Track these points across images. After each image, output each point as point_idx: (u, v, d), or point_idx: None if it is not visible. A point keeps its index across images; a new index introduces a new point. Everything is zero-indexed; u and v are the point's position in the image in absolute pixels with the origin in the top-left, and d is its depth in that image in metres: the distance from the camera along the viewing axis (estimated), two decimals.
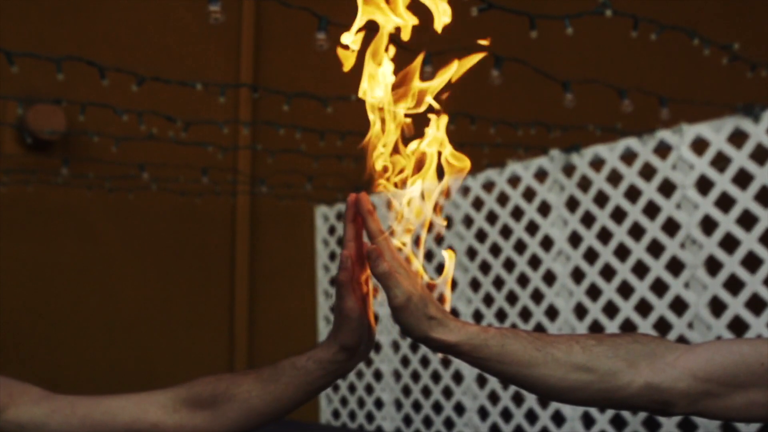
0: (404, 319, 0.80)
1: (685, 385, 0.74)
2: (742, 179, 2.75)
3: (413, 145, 0.85)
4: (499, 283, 3.64)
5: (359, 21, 0.82)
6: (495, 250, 3.67)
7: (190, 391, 0.85)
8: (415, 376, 4.10)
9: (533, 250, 3.47)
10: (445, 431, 3.87)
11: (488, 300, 3.70)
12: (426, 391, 4.04)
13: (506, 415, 3.59)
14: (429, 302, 0.81)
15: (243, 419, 0.84)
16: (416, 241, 0.87)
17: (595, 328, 3.22)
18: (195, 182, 3.81)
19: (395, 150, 0.85)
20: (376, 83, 0.84)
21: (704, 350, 0.76)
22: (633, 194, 3.09)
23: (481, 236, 3.74)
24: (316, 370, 0.85)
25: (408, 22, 0.83)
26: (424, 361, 4.04)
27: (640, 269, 3.06)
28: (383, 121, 0.85)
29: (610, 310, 3.17)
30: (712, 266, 2.83)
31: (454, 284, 3.84)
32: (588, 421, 3.21)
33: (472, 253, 3.78)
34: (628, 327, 3.10)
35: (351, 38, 0.82)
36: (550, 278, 3.39)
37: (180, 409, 0.84)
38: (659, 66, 3.86)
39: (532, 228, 3.50)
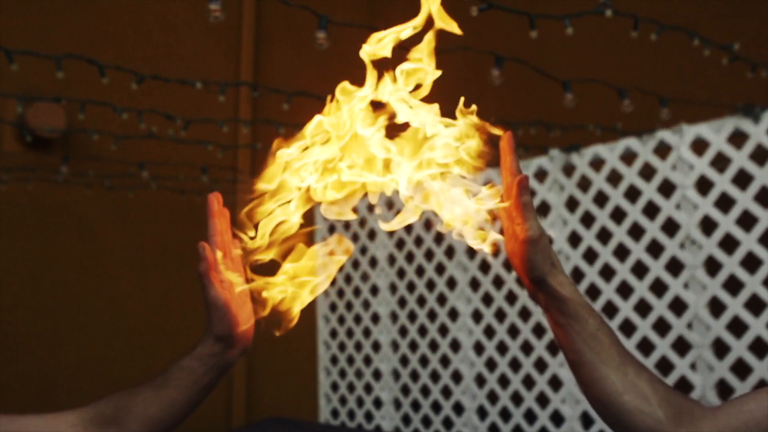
0: (532, 254, 0.80)
1: None
2: (742, 180, 2.75)
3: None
4: (498, 282, 3.64)
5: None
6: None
7: (95, 410, 0.87)
8: (414, 376, 4.10)
9: None
10: (444, 431, 3.87)
11: (488, 299, 3.70)
12: (425, 391, 4.04)
13: (505, 414, 3.59)
14: (552, 250, 0.81)
15: (145, 429, 0.86)
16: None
17: None
18: (195, 181, 3.81)
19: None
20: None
21: (722, 414, 0.77)
22: (633, 194, 3.09)
23: None
24: (199, 367, 0.87)
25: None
26: (423, 361, 4.04)
27: (640, 269, 3.06)
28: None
29: (610, 310, 3.17)
30: (712, 267, 2.83)
31: (452, 284, 3.86)
32: (587, 421, 3.22)
33: (472, 253, 3.78)
34: (627, 327, 3.10)
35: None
36: None
37: (89, 427, 0.86)
38: (659, 66, 3.85)
39: None
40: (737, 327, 2.74)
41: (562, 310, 0.79)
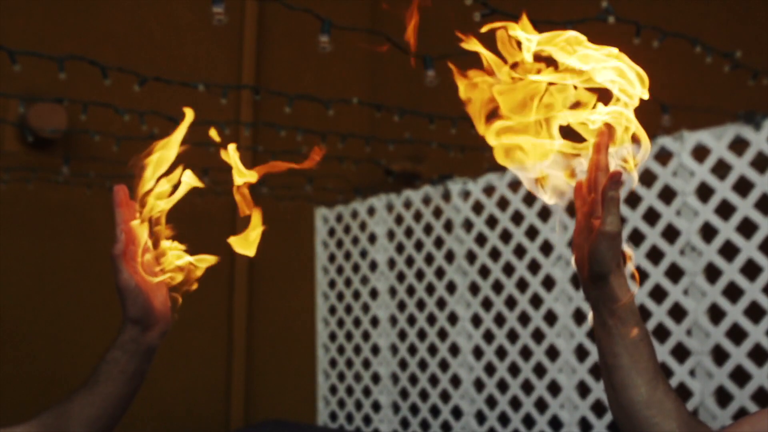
0: (604, 248, 0.80)
1: None
2: (743, 187, 2.75)
3: None
4: (498, 287, 3.64)
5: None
6: (495, 254, 3.67)
7: (39, 421, 0.88)
8: (413, 379, 4.10)
9: (533, 254, 3.47)
10: None
11: (487, 304, 3.69)
12: (424, 395, 4.04)
13: (503, 419, 3.59)
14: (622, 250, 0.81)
15: (87, 430, 0.87)
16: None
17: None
18: None
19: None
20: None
21: None
22: (633, 200, 3.09)
23: (481, 240, 3.74)
24: (122, 355, 0.89)
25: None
26: (422, 365, 4.04)
27: (640, 275, 3.06)
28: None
29: None
30: (712, 273, 2.83)
31: (451, 288, 3.85)
32: (585, 426, 3.21)
33: (471, 257, 3.78)
34: None
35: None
36: (549, 283, 3.39)
37: None
38: (661, 73, 3.85)
39: (532, 233, 3.50)
40: (737, 334, 2.74)
41: (613, 311, 0.80)
